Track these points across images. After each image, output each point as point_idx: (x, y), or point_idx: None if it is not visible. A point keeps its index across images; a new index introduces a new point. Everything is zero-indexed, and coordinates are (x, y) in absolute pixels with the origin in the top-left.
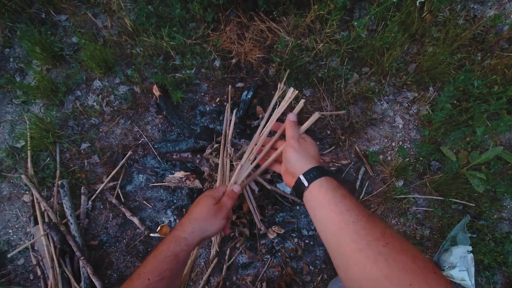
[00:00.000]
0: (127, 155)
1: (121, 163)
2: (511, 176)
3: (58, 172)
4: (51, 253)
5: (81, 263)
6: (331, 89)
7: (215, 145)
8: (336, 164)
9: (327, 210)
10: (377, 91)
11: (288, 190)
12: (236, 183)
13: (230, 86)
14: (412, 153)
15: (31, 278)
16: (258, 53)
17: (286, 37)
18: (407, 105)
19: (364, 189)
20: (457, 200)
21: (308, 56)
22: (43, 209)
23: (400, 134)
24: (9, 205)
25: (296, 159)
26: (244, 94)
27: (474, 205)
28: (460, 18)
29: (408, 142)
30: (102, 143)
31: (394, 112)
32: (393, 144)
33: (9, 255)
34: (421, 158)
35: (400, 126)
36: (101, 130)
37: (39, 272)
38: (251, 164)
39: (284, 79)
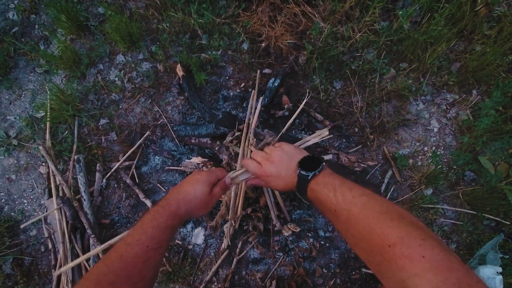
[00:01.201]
0: (145, 135)
1: (138, 143)
2: None
3: (75, 146)
4: (63, 228)
5: (91, 241)
6: (364, 83)
7: (237, 133)
8: (362, 165)
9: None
10: (414, 90)
11: None
12: (233, 178)
13: (258, 71)
14: (445, 160)
15: (42, 250)
16: (290, 39)
17: (321, 23)
18: (445, 107)
19: (389, 194)
20: (491, 216)
21: (343, 46)
22: (58, 182)
23: (435, 138)
24: (26, 175)
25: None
26: (270, 81)
27: (509, 223)
28: None
29: (442, 148)
30: (120, 121)
31: (430, 114)
32: (425, 148)
33: (21, 226)
34: (454, 167)
35: (435, 130)
36: (120, 107)
37: (50, 246)
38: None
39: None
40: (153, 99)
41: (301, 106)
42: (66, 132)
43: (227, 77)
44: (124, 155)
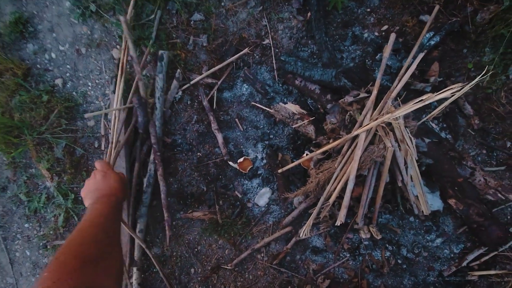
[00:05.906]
0: (241, 52)
1: (230, 60)
2: None
3: (154, 34)
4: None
5: (151, 157)
6: None
7: (362, 95)
8: (499, 195)
9: None
10: None
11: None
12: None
13: (437, 7)
14: None
15: (95, 145)
16: None
17: None
18: None
19: (510, 244)
20: None
21: None
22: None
23: None
24: (96, 53)
25: None
26: (426, 36)
27: None
28: None
29: None
30: (217, 23)
31: None
32: None
33: (86, 116)
34: None
35: None
36: (223, 4)
37: (103, 146)
38: None
39: None
40: (264, 8)
41: (461, 92)
42: (153, 16)
43: (368, 10)
44: (209, 69)
